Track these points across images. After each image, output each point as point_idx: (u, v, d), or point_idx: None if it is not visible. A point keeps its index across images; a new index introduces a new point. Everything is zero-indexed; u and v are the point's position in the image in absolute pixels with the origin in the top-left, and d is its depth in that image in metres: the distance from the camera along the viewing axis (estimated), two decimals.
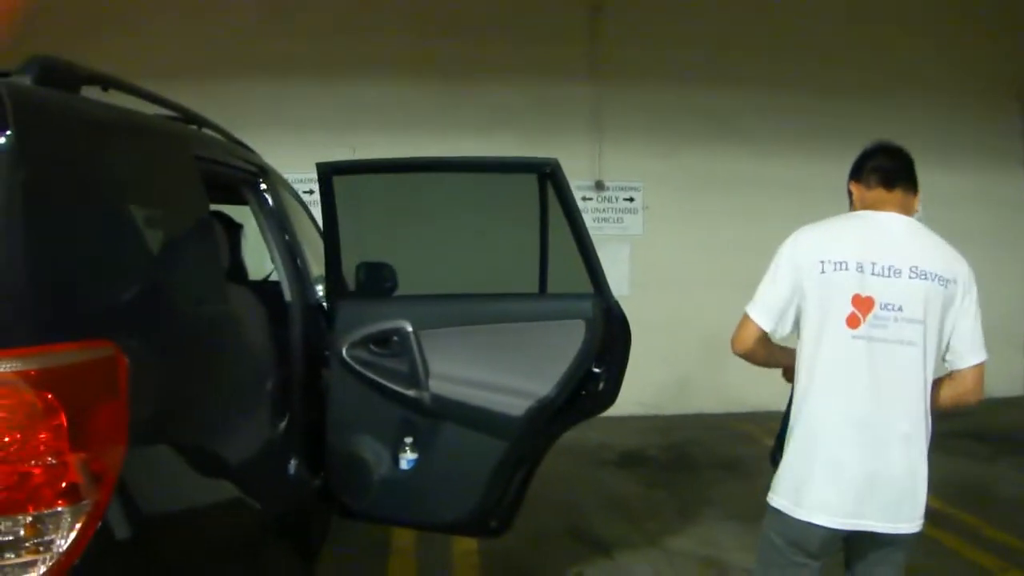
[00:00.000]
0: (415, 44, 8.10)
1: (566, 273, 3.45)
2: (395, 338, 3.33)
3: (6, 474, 1.50)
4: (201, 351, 2.28)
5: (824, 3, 8.74)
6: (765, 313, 2.57)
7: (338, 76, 8.00)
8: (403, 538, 4.81)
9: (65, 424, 1.54)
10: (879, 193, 2.67)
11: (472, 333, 3.35)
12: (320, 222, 3.65)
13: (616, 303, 3.37)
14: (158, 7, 7.71)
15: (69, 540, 1.54)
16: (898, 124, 8.85)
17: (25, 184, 1.63)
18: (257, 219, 3.55)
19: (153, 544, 1.75)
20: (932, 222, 8.59)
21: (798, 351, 2.59)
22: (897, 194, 2.67)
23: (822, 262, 2.51)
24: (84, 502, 1.56)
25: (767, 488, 2.62)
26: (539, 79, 8.33)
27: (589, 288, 3.31)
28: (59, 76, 2.00)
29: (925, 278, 2.50)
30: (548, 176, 3.29)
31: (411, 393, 3.29)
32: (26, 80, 1.89)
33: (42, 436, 1.52)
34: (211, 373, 2.34)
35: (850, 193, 2.78)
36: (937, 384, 2.58)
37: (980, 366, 2.58)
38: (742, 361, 2.73)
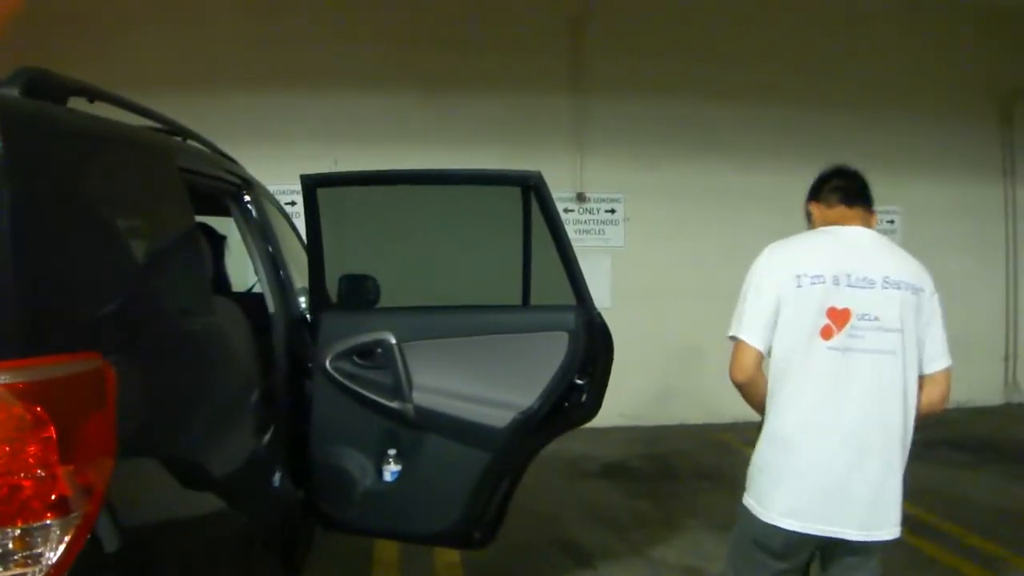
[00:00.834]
0: (397, 56, 8.11)
1: (549, 285, 3.47)
2: (378, 350, 3.33)
3: None
4: (187, 363, 2.28)
5: (806, 16, 8.84)
6: (757, 333, 2.60)
7: (320, 88, 8.01)
8: (386, 550, 4.80)
9: (54, 437, 1.54)
10: (841, 210, 2.76)
11: (455, 345, 3.36)
12: (303, 234, 3.65)
13: (599, 315, 3.39)
14: (141, 19, 7.68)
15: (58, 553, 1.53)
16: (879, 135, 9.02)
17: (13, 196, 1.63)
18: (241, 231, 3.55)
19: (141, 557, 1.75)
20: (913, 232, 8.71)
21: (771, 362, 2.63)
22: (858, 211, 2.76)
23: (798, 276, 2.57)
24: (73, 515, 1.56)
25: None
26: (521, 91, 8.37)
27: (572, 300, 3.32)
28: (47, 88, 2.01)
29: (898, 288, 2.57)
30: (532, 188, 3.30)
31: (394, 405, 3.29)
32: (14, 92, 1.90)
33: (31, 449, 1.52)
34: (197, 385, 2.34)
35: (809, 213, 2.89)
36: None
37: (949, 370, 2.69)
38: (723, 371, 2.74)
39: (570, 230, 3.60)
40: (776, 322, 2.59)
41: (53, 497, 1.54)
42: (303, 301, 3.71)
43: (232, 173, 3.45)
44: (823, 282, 2.54)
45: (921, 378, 2.66)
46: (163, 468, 1.96)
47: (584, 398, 3.39)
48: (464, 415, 3.25)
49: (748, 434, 2.93)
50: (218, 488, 2.30)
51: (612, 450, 7.44)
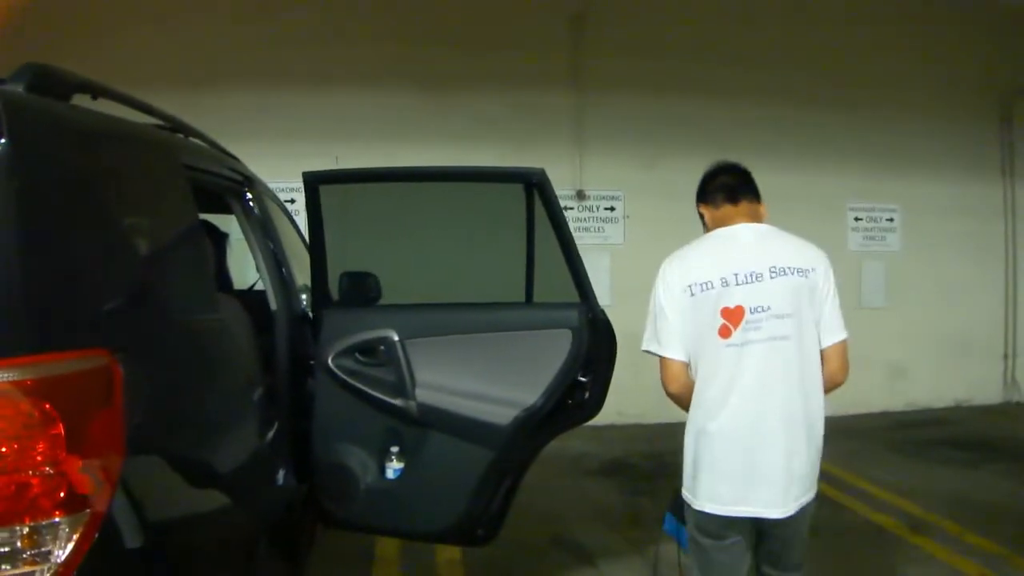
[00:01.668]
0: (397, 53, 8.10)
1: (552, 282, 3.46)
2: (381, 347, 3.33)
3: (3, 485, 1.50)
4: (192, 360, 2.28)
5: (805, 14, 8.83)
6: (674, 346, 2.82)
7: (321, 85, 8.00)
8: (387, 547, 4.80)
9: (63, 434, 1.53)
10: (727, 209, 2.93)
11: (458, 342, 3.35)
12: (304, 232, 3.64)
13: (602, 312, 3.39)
14: (141, 16, 7.66)
15: (67, 551, 1.53)
16: (878, 134, 9.03)
17: (19, 193, 1.63)
18: (243, 228, 3.54)
19: (149, 554, 1.74)
20: (912, 231, 8.72)
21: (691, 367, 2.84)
22: (743, 206, 2.92)
23: (689, 286, 2.77)
24: (82, 512, 1.56)
25: None
26: (521, 89, 8.36)
27: (575, 297, 3.32)
28: (51, 84, 2.00)
29: (785, 274, 2.72)
30: (535, 186, 3.30)
31: (397, 402, 3.29)
32: (18, 88, 1.89)
33: (40, 446, 1.52)
34: (202, 382, 2.33)
35: (701, 216, 3.07)
36: None
37: (843, 343, 2.80)
38: None
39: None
40: (685, 328, 2.80)
41: (61, 495, 1.53)
42: (305, 298, 3.70)
43: (234, 170, 3.44)
44: (712, 288, 2.73)
45: (822, 353, 2.80)
46: (170, 465, 1.95)
47: (587, 395, 3.39)
48: (467, 412, 3.25)
49: None
50: (224, 485, 2.29)
51: (612, 448, 7.44)
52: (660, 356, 2.86)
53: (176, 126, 3.01)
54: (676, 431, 3.12)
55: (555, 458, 6.12)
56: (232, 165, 3.48)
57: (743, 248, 2.79)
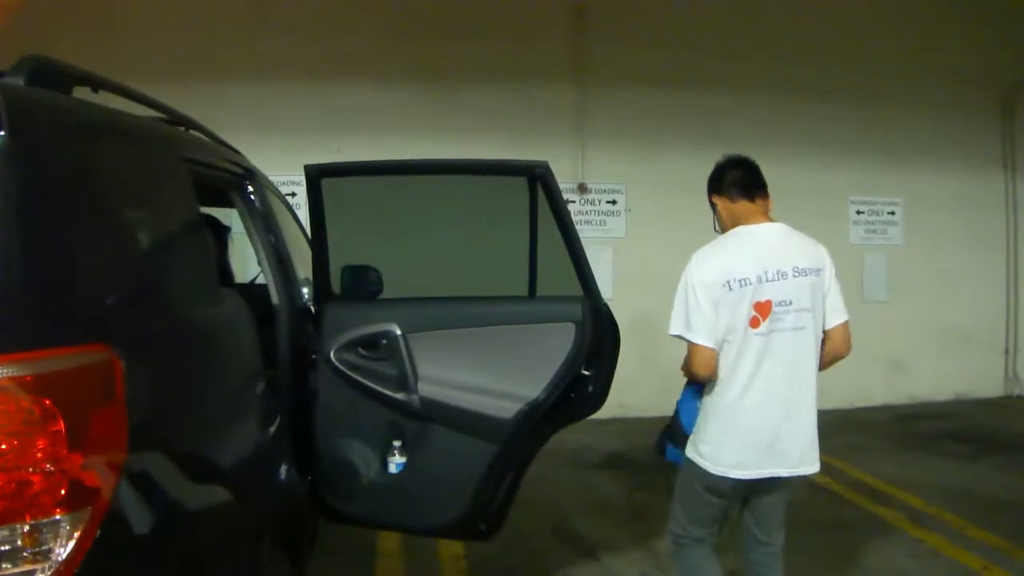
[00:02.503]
0: (398, 46, 8.07)
1: (555, 276, 3.45)
2: (383, 341, 3.31)
3: (4, 482, 1.48)
4: (194, 355, 2.26)
5: (806, 6, 8.81)
6: (707, 335, 3.09)
7: (322, 78, 7.97)
8: (389, 541, 4.80)
9: (63, 430, 1.51)
10: (744, 205, 3.23)
11: (461, 336, 3.33)
12: (306, 225, 3.62)
13: (605, 305, 3.38)
14: (140, 9, 7.64)
15: (68, 549, 1.52)
16: (880, 127, 9.01)
17: (20, 186, 1.61)
18: (244, 222, 3.52)
19: (151, 551, 1.73)
20: (914, 224, 8.70)
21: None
22: (759, 204, 3.23)
23: (728, 281, 3.07)
24: (83, 510, 1.54)
25: None
26: (522, 81, 8.34)
27: (578, 291, 3.30)
28: (52, 77, 1.98)
29: (805, 275, 3.11)
30: (538, 179, 3.27)
31: (400, 396, 3.27)
32: (18, 81, 1.87)
33: (40, 443, 1.50)
34: (204, 377, 2.31)
35: (713, 205, 3.35)
36: None
37: (846, 323, 3.23)
38: None
39: None
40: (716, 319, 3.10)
41: (62, 492, 1.52)
42: (307, 292, 3.68)
43: (235, 163, 3.42)
44: (750, 284, 3.05)
45: (824, 334, 3.20)
46: (172, 461, 1.93)
47: (590, 389, 3.38)
48: (470, 406, 3.23)
49: None
50: (226, 480, 2.27)
51: (613, 442, 7.44)
52: (692, 343, 3.12)
53: (177, 119, 2.99)
54: None
55: (557, 451, 6.11)
56: (233, 158, 3.46)
57: (770, 247, 3.12)
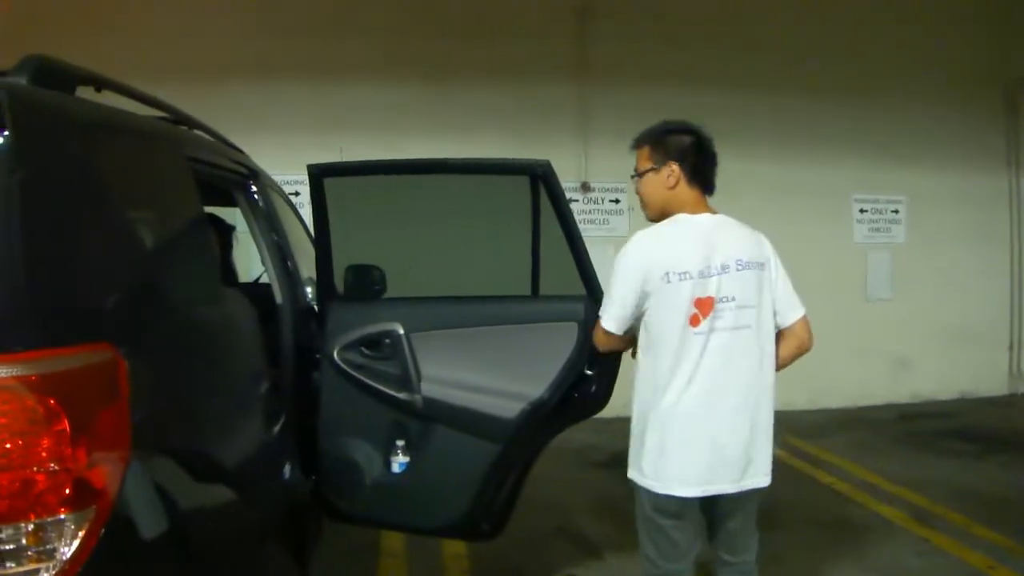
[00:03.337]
0: (401, 45, 8.06)
1: (558, 275, 3.45)
2: (386, 341, 3.31)
3: (8, 481, 1.48)
4: (198, 354, 2.26)
5: (811, 5, 8.79)
6: (616, 322, 2.94)
7: (324, 77, 7.95)
8: (393, 541, 4.80)
9: (68, 430, 1.52)
10: (697, 195, 3.03)
11: (464, 336, 3.34)
12: (309, 225, 3.62)
13: None
14: (141, 8, 7.65)
15: (72, 548, 1.52)
16: (882, 124, 8.98)
17: (23, 185, 1.61)
18: (248, 221, 3.53)
19: (156, 550, 1.72)
20: (917, 221, 8.67)
21: (647, 348, 2.93)
22: (706, 199, 3.07)
23: (667, 273, 2.82)
24: (88, 509, 1.54)
25: None
26: (525, 80, 8.31)
27: (581, 290, 3.30)
28: (55, 77, 1.98)
29: (748, 268, 2.88)
30: (540, 178, 3.28)
31: (403, 396, 3.28)
32: (21, 80, 1.87)
33: (44, 442, 1.50)
34: (208, 376, 2.31)
35: (655, 168, 3.14)
36: (776, 345, 2.98)
37: (804, 318, 3.00)
38: None
39: None
40: (636, 312, 2.91)
41: (67, 491, 1.52)
42: (310, 291, 3.69)
43: (239, 163, 3.42)
44: (691, 278, 2.81)
45: (780, 333, 2.99)
46: (176, 460, 1.93)
47: (594, 389, 3.37)
48: (473, 406, 3.24)
49: None
50: (230, 480, 2.28)
51: (617, 441, 7.39)
52: (600, 324, 2.99)
53: (180, 119, 2.99)
54: None
55: (562, 451, 6.11)
56: (237, 158, 3.47)
57: (713, 241, 2.88)
